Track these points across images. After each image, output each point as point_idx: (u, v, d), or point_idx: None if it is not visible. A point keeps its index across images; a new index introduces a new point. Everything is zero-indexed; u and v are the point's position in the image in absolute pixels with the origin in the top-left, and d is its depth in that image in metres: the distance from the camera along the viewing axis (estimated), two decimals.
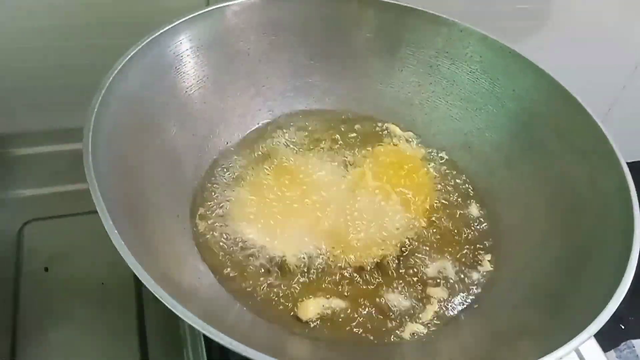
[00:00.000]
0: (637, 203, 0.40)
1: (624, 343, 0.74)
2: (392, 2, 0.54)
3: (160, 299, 0.31)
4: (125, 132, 0.42)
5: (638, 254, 0.37)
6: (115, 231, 0.33)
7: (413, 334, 0.42)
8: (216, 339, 0.29)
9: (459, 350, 0.41)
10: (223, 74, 0.51)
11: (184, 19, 0.47)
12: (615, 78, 0.80)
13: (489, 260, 0.47)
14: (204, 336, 0.43)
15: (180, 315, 0.30)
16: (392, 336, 0.41)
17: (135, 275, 0.48)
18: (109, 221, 0.33)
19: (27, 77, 0.53)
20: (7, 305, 0.47)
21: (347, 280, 0.44)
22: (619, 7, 0.69)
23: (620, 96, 0.82)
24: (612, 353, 0.74)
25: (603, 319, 0.35)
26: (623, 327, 0.77)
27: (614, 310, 0.35)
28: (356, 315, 0.42)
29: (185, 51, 0.48)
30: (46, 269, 0.49)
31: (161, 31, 0.46)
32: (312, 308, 0.41)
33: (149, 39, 0.45)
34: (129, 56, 0.43)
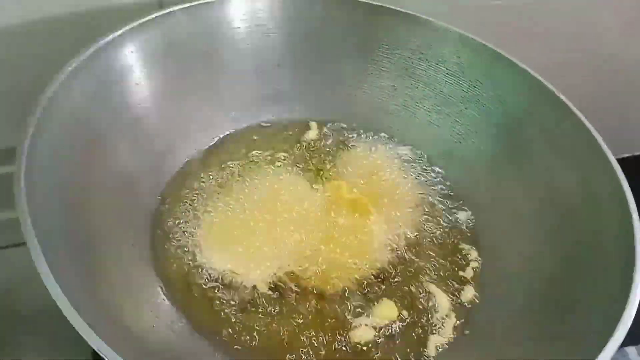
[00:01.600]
0: (635, 207, 0.37)
1: (617, 351, 0.71)
2: (361, 0, 0.50)
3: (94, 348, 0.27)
4: (68, 154, 0.38)
5: None
6: (47, 269, 0.29)
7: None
8: None
9: None
10: (180, 85, 0.47)
11: (134, 25, 0.43)
12: (596, 73, 0.77)
13: (473, 277, 0.43)
14: None
15: None
16: None
17: None
18: (39, 253, 0.29)
19: None
20: None
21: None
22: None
23: (600, 91, 0.80)
24: None
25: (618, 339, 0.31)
26: None
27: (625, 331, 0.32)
28: None
29: (136, 61, 0.44)
30: None
31: (108, 39, 0.42)
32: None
33: (94, 48, 0.41)
34: (72, 67, 0.39)
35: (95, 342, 0.27)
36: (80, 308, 0.28)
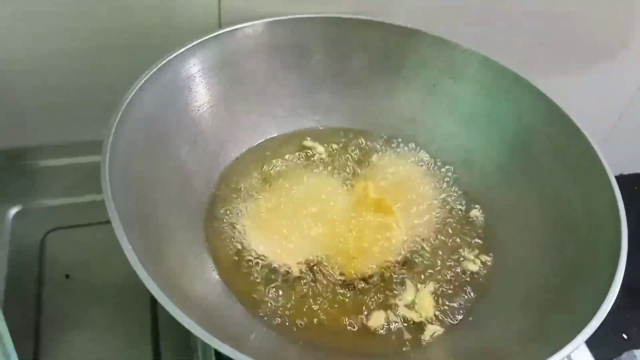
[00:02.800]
0: (625, 223, 0.42)
1: (626, 352, 0.74)
2: (397, 24, 0.56)
3: (165, 307, 0.33)
4: (140, 149, 0.45)
5: (624, 268, 0.39)
6: (127, 241, 0.35)
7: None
8: (215, 346, 0.32)
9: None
10: (233, 93, 0.54)
11: (196, 42, 0.50)
12: (618, 98, 0.81)
13: (485, 273, 0.49)
14: None
15: (186, 326, 0.33)
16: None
17: None
18: (122, 232, 0.36)
19: (49, 96, 0.56)
20: (30, 310, 0.50)
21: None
22: (620, 28, 0.70)
23: (623, 115, 0.84)
24: None
25: (589, 330, 0.36)
26: (626, 337, 0.78)
27: (602, 318, 0.37)
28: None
29: (198, 72, 0.51)
30: (67, 276, 0.52)
31: (175, 54, 0.48)
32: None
33: (163, 62, 0.47)
34: (146, 78, 0.46)
35: (164, 301, 0.33)
36: (151, 275, 0.35)
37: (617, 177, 0.44)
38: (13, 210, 0.56)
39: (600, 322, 0.36)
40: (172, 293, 0.34)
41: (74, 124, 0.58)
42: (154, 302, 0.52)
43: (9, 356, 0.38)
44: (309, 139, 0.57)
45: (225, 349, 0.32)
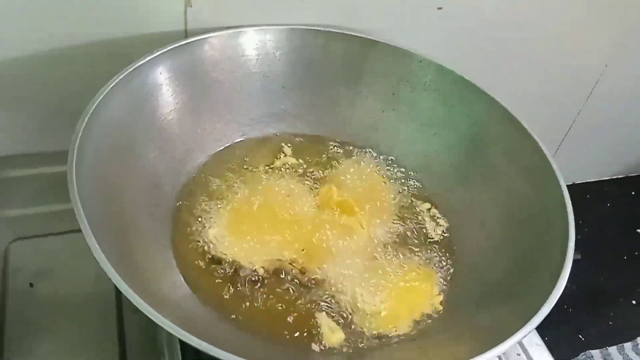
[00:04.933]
0: (573, 218, 0.45)
1: (582, 353, 0.78)
2: (358, 35, 0.58)
3: (139, 308, 0.34)
4: (108, 156, 0.45)
5: (571, 263, 0.42)
6: (97, 247, 0.36)
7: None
8: (187, 341, 0.33)
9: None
10: (199, 101, 0.55)
11: (164, 50, 0.51)
12: (572, 102, 0.86)
13: (445, 273, 0.51)
14: (180, 345, 0.46)
15: (155, 321, 0.33)
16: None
17: (115, 290, 0.51)
18: (92, 238, 0.36)
19: (14, 104, 0.56)
20: None
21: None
22: (574, 34, 0.74)
23: (577, 119, 0.88)
24: None
25: (539, 317, 0.38)
26: (582, 338, 0.82)
27: (552, 304, 0.39)
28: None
29: (165, 80, 0.52)
30: (31, 285, 0.52)
31: (142, 61, 0.49)
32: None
33: (131, 69, 0.48)
34: (112, 84, 0.46)
35: (135, 300, 0.34)
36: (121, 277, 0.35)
37: (569, 186, 0.47)
38: None
39: (551, 308, 0.39)
40: (145, 297, 0.35)
41: (37, 134, 0.58)
42: (120, 309, 0.52)
43: None
44: (274, 144, 0.59)
45: (204, 347, 0.32)
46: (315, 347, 0.44)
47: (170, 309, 0.40)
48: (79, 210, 0.38)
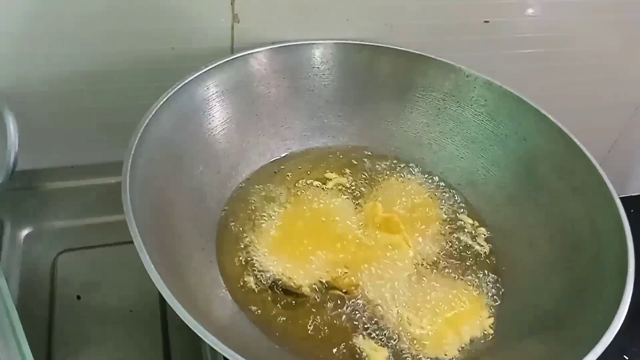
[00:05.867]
0: (632, 245, 0.43)
1: None
2: (404, 49, 0.58)
3: (187, 324, 0.34)
4: (158, 170, 0.46)
5: (631, 292, 0.40)
6: (149, 260, 0.36)
7: None
8: (230, 358, 0.33)
9: None
10: (245, 116, 0.55)
11: (211, 66, 0.51)
12: (617, 117, 0.83)
13: (493, 295, 0.49)
14: None
15: (201, 336, 0.33)
16: None
17: (160, 302, 0.51)
18: (144, 251, 0.37)
19: (63, 118, 0.57)
20: (42, 331, 0.50)
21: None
22: (620, 48, 0.73)
23: (622, 134, 0.86)
24: None
25: (599, 348, 0.37)
26: (627, 358, 0.79)
27: (613, 335, 0.38)
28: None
29: (212, 95, 0.52)
30: (78, 297, 0.53)
31: (191, 77, 0.50)
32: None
33: (180, 85, 0.49)
34: (163, 100, 0.47)
35: (184, 315, 0.34)
36: (171, 291, 0.35)
37: None
38: (25, 232, 0.57)
39: (611, 339, 0.37)
40: (190, 309, 0.35)
41: (87, 147, 0.59)
42: (165, 322, 0.53)
43: None
44: (317, 158, 0.59)
45: None
46: None
47: (215, 325, 0.40)
48: (131, 222, 0.38)
